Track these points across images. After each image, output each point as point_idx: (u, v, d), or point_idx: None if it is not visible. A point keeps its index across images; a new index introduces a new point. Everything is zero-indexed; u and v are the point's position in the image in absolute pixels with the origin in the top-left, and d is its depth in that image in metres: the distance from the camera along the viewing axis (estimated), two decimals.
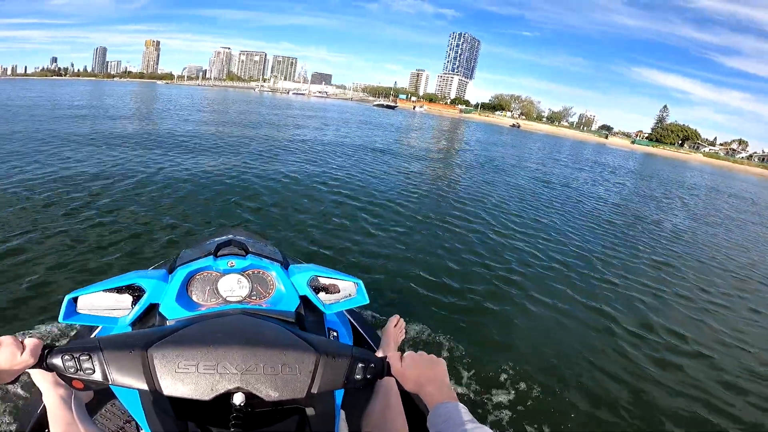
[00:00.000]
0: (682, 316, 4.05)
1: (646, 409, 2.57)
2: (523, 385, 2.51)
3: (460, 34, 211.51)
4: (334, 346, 0.87)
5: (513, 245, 5.30)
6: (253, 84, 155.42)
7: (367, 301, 1.32)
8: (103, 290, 1.12)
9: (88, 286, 1.12)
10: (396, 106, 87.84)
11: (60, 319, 1.07)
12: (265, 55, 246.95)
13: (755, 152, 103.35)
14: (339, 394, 1.02)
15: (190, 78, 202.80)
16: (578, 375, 2.78)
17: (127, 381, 0.72)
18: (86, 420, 1.03)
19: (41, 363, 0.73)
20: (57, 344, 0.74)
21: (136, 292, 1.13)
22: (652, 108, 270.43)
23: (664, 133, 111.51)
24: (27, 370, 0.73)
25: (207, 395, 0.73)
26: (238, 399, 0.75)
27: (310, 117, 23.15)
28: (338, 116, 28.60)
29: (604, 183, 14.26)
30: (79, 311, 1.10)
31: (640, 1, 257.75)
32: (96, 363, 0.72)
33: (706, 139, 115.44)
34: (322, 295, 1.28)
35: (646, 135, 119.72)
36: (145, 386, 0.72)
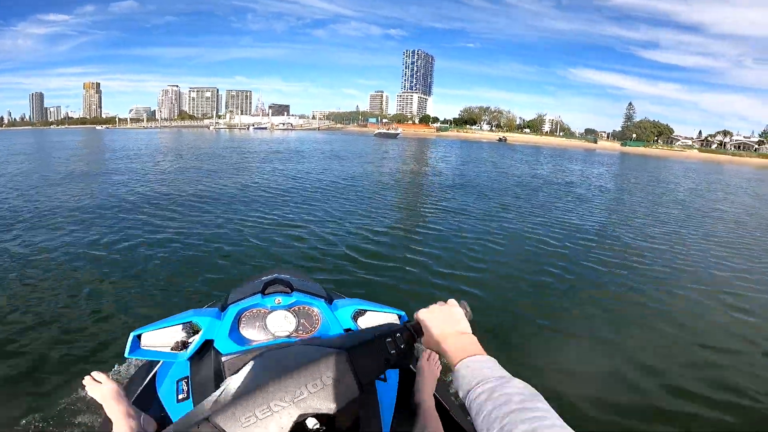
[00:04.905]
0: None
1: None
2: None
3: (413, 51, 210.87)
4: (354, 337, 0.90)
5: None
6: (206, 122, 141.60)
7: None
8: (163, 327, 1.22)
9: (150, 324, 1.23)
10: (398, 134, 71.44)
11: (126, 354, 1.18)
12: (217, 91, 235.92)
13: (727, 141, 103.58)
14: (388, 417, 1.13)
15: (135, 120, 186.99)
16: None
17: None
18: None
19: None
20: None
21: (192, 328, 1.24)
22: (599, 107, 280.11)
23: (639, 132, 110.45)
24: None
25: None
26: (310, 423, 0.76)
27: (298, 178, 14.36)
28: (347, 170, 19.77)
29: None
30: (143, 347, 1.22)
31: (564, 4, 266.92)
32: None
33: (679, 134, 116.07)
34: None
35: (609, 134, 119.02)
36: None
